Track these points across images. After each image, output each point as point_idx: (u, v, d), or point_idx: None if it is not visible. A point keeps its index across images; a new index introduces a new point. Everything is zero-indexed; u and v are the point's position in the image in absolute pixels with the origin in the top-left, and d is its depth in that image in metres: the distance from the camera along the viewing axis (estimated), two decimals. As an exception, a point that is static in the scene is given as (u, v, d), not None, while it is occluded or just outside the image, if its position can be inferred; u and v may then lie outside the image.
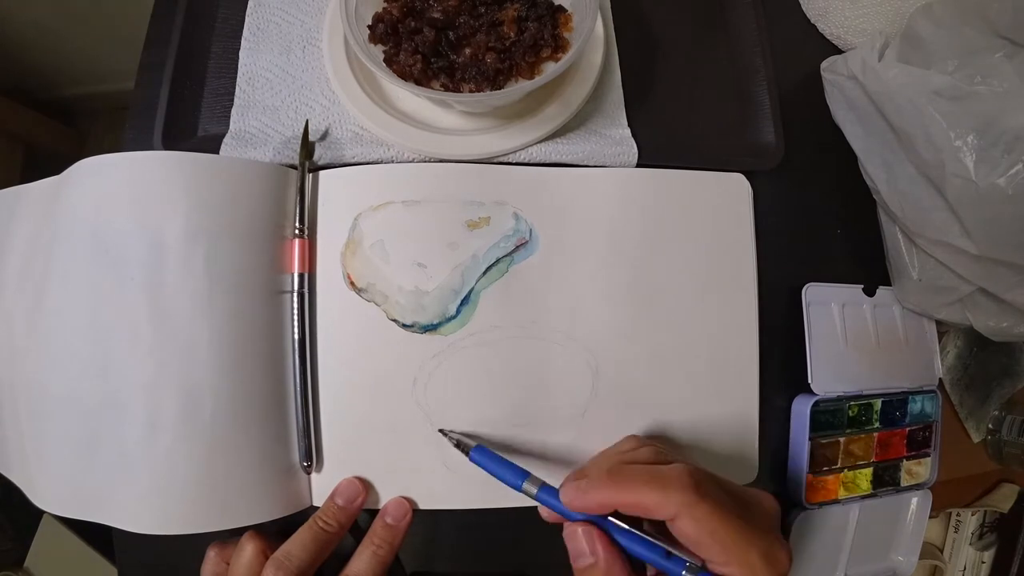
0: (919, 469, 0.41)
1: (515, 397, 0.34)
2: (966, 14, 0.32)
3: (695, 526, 0.22)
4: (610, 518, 0.25)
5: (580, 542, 0.25)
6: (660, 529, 0.25)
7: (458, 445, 0.31)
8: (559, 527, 0.36)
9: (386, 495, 0.33)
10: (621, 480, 0.24)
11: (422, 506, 0.33)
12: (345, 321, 0.33)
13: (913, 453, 0.41)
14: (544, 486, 0.27)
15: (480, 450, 0.30)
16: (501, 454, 0.29)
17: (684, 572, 0.23)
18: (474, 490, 0.33)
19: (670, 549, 0.24)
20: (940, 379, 0.42)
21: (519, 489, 0.27)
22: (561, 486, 0.26)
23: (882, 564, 0.41)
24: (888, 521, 0.41)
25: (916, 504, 0.41)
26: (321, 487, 0.32)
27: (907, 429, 0.40)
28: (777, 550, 0.23)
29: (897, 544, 0.41)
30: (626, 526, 0.25)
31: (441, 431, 0.32)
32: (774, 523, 0.26)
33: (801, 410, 0.38)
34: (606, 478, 0.25)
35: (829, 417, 0.38)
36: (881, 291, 0.40)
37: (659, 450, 0.28)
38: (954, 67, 0.31)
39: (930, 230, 0.34)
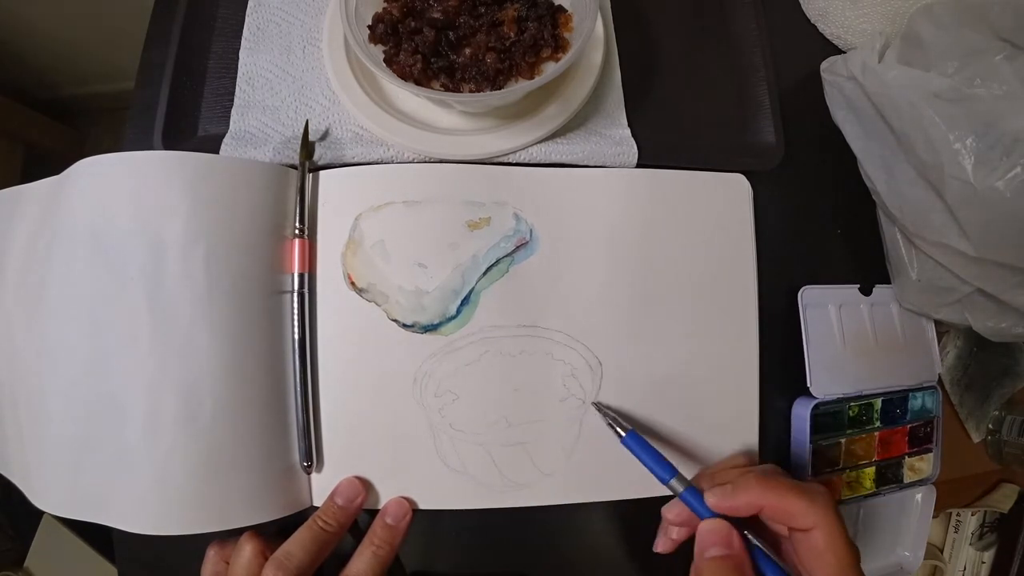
0: (922, 465, 0.41)
1: (515, 397, 0.34)
2: (967, 16, 0.32)
3: (827, 540, 0.25)
4: (746, 532, 0.27)
5: (719, 535, 0.27)
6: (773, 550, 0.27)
7: (612, 424, 0.32)
8: (560, 530, 0.36)
9: (386, 495, 0.33)
10: (772, 485, 0.27)
11: (422, 506, 0.33)
12: (345, 321, 0.33)
13: (915, 449, 0.41)
14: (691, 487, 0.29)
15: (633, 436, 0.31)
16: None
17: None
18: (474, 490, 0.33)
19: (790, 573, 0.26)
20: (940, 375, 0.42)
21: (666, 483, 0.29)
22: (704, 490, 0.28)
23: (888, 560, 0.41)
24: (893, 518, 0.41)
25: (920, 499, 0.41)
26: (321, 487, 0.32)
27: (908, 426, 0.40)
28: None
29: (903, 540, 0.41)
30: (756, 541, 0.27)
31: (596, 404, 0.33)
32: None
33: (801, 414, 0.38)
34: (756, 482, 0.27)
35: (830, 419, 0.38)
36: (878, 289, 0.40)
37: (781, 468, 0.31)
38: (954, 69, 0.31)
39: (929, 231, 0.34)
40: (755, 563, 0.27)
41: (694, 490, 0.29)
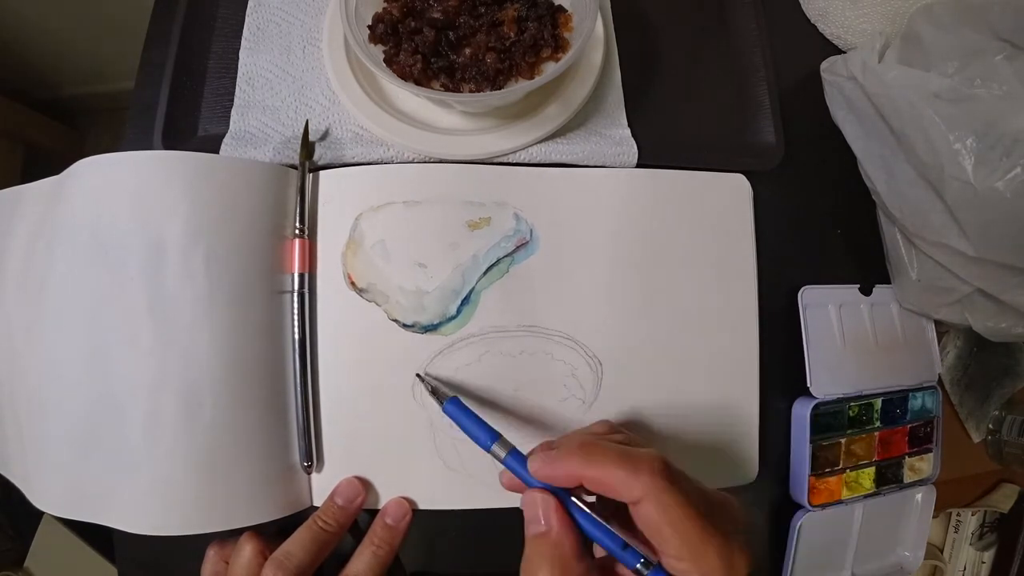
0: (922, 465, 0.41)
1: (515, 397, 0.34)
2: (967, 16, 0.32)
3: (658, 512, 0.22)
4: (573, 497, 0.25)
5: (536, 509, 0.24)
6: (621, 521, 0.24)
7: (434, 393, 0.30)
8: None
9: (386, 495, 0.33)
10: (592, 454, 0.24)
11: (422, 506, 0.33)
12: (345, 321, 0.33)
13: (915, 449, 0.41)
14: (513, 451, 0.26)
15: (454, 402, 0.29)
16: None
17: (639, 566, 0.23)
18: (474, 490, 0.33)
19: (627, 541, 0.23)
20: (940, 375, 0.42)
21: (488, 450, 0.27)
22: (529, 454, 0.26)
23: (889, 560, 0.41)
24: (893, 518, 0.41)
25: (920, 499, 0.41)
26: (321, 487, 0.32)
27: (908, 426, 0.40)
28: (736, 556, 0.22)
29: (903, 540, 0.41)
30: (586, 508, 0.24)
31: (417, 375, 0.32)
32: (738, 529, 0.25)
33: (801, 414, 0.38)
34: (576, 450, 0.24)
35: (830, 419, 0.38)
36: (878, 289, 0.40)
37: (630, 437, 0.28)
38: (954, 69, 0.31)
39: (928, 231, 0.34)
40: (592, 534, 0.24)
41: (518, 455, 0.26)
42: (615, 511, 0.24)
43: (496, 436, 0.27)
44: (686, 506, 0.22)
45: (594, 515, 0.24)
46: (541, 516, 0.24)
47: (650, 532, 0.22)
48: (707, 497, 0.24)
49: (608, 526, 0.24)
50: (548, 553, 0.23)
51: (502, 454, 0.26)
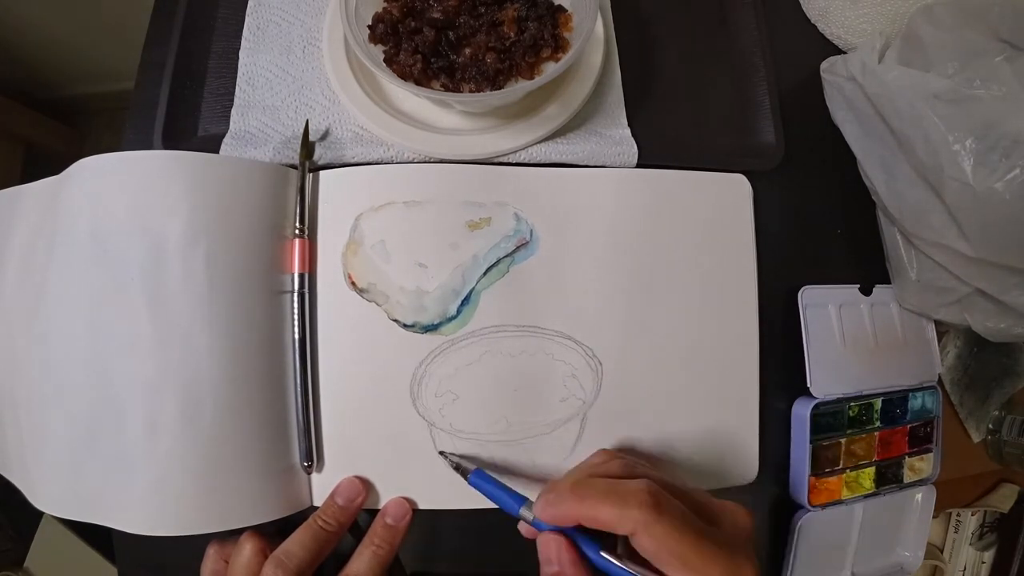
0: (922, 465, 0.41)
1: (515, 398, 0.34)
2: (967, 17, 0.32)
3: (653, 544, 0.22)
4: (578, 533, 0.25)
5: (547, 550, 0.25)
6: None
7: (457, 468, 0.31)
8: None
9: (386, 495, 0.33)
10: (583, 495, 0.25)
11: (422, 506, 0.33)
12: (346, 321, 0.33)
13: (915, 449, 0.41)
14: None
15: (479, 474, 0.30)
16: (499, 475, 0.30)
17: None
18: (473, 490, 0.33)
19: (634, 568, 0.24)
20: (940, 375, 0.42)
21: (516, 514, 0.28)
22: (536, 499, 0.27)
23: (889, 560, 0.41)
24: (893, 518, 0.41)
25: (920, 499, 0.41)
26: (321, 487, 0.32)
27: (908, 426, 0.40)
28: (743, 567, 0.23)
29: (903, 540, 0.41)
30: (587, 541, 0.25)
31: (441, 453, 0.33)
32: (744, 539, 0.25)
33: (801, 414, 0.38)
34: (569, 492, 0.25)
35: (830, 419, 0.38)
36: (878, 289, 0.40)
37: (628, 463, 0.28)
38: (954, 70, 0.31)
39: (928, 232, 0.34)
40: (600, 564, 0.25)
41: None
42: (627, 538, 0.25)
43: (523, 500, 0.28)
44: (680, 532, 0.22)
45: (603, 553, 0.25)
46: (553, 557, 0.25)
47: (653, 560, 0.23)
48: (707, 513, 0.25)
49: (612, 559, 0.25)
50: None
51: (530, 517, 0.27)
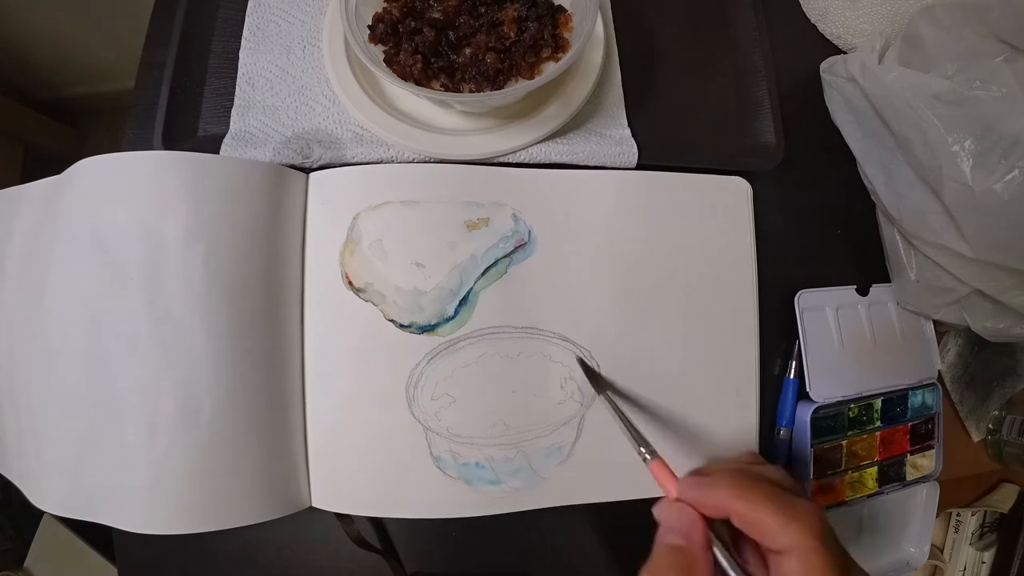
0: (924, 462, 0.41)
1: (512, 399, 0.33)
2: (967, 17, 0.32)
3: (803, 571, 0.21)
4: (713, 531, 0.24)
5: (678, 519, 0.23)
6: (739, 549, 0.24)
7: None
8: (559, 531, 0.36)
9: (379, 501, 0.32)
10: (748, 491, 0.23)
11: (416, 515, 0.32)
12: (342, 321, 0.33)
13: (917, 447, 0.41)
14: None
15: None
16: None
17: None
18: (472, 495, 0.33)
19: None
20: (940, 371, 0.42)
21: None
22: (682, 479, 0.25)
23: (894, 556, 0.41)
24: (897, 515, 0.41)
25: (924, 495, 0.41)
26: (321, 487, 0.32)
27: (910, 424, 0.40)
28: None
29: (908, 536, 0.41)
30: (724, 544, 0.23)
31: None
32: None
33: (801, 418, 0.37)
34: (730, 482, 0.23)
35: (830, 422, 0.38)
36: (875, 289, 0.40)
37: (787, 475, 0.26)
38: (954, 71, 0.31)
39: (927, 232, 0.34)
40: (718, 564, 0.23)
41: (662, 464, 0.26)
42: (733, 537, 0.24)
43: (651, 450, 0.27)
44: (831, 568, 0.21)
45: (725, 555, 0.23)
46: (683, 529, 0.23)
47: None
48: (851, 568, 0.23)
49: (741, 566, 0.23)
50: (681, 566, 0.22)
51: (651, 470, 0.26)
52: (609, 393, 0.31)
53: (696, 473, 0.25)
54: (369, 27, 0.32)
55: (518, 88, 0.31)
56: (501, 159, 0.35)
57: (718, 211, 0.37)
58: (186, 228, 0.29)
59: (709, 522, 0.24)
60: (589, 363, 0.33)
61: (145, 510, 0.29)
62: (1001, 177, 0.28)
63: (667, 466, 0.26)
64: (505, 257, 0.34)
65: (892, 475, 0.40)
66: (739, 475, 0.24)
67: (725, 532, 0.24)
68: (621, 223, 0.35)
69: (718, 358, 0.36)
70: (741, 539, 0.24)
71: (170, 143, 0.34)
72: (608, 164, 0.35)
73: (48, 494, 0.30)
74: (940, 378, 0.42)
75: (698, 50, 0.41)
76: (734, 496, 0.23)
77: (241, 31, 0.37)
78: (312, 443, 0.32)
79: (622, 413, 0.29)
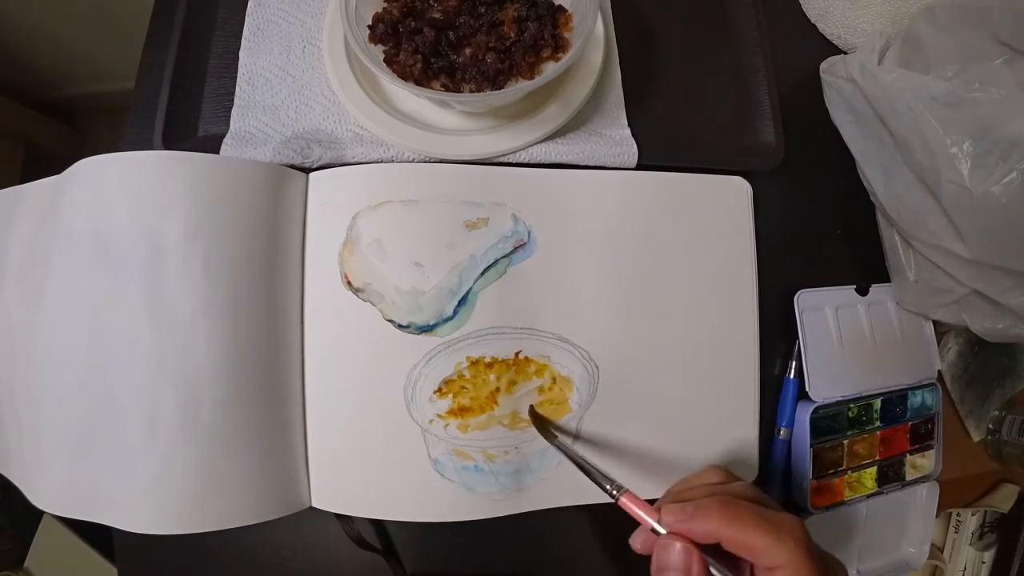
0: (923, 462, 0.41)
1: (512, 400, 0.33)
2: (968, 19, 0.32)
3: None
4: (709, 559, 0.24)
5: (674, 558, 0.24)
6: (729, 565, 0.24)
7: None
8: (558, 531, 0.36)
9: (376, 504, 0.32)
10: (736, 516, 0.24)
11: (413, 519, 0.32)
12: (341, 321, 0.33)
13: (917, 447, 0.41)
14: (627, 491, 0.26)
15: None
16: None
17: None
18: (468, 497, 0.33)
19: None
20: (940, 371, 0.42)
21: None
22: (659, 506, 0.25)
23: (894, 556, 0.41)
24: (897, 515, 0.41)
25: (924, 495, 0.41)
26: (321, 487, 0.32)
27: (909, 424, 0.40)
28: None
29: (908, 536, 0.41)
30: (719, 567, 0.24)
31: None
32: None
33: (801, 418, 0.37)
34: (717, 509, 0.24)
35: (830, 422, 0.38)
36: (875, 289, 0.40)
37: (757, 488, 0.27)
38: (953, 72, 0.31)
39: (925, 234, 0.34)
40: None
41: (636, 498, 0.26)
42: (719, 556, 0.24)
43: (618, 486, 0.26)
44: (817, 573, 0.22)
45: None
46: (684, 566, 0.24)
47: None
48: (832, 567, 0.24)
49: None
50: None
51: (622, 500, 0.26)
52: (561, 439, 0.30)
53: (671, 499, 0.25)
54: (369, 27, 0.32)
55: (518, 88, 0.31)
56: (501, 159, 0.35)
57: (718, 211, 0.37)
58: (186, 228, 0.29)
59: (702, 549, 0.24)
60: (540, 415, 0.33)
61: (145, 510, 0.29)
62: (999, 179, 0.28)
63: (637, 498, 0.26)
64: (504, 257, 0.34)
65: (892, 475, 0.40)
66: (726, 502, 0.24)
67: (712, 554, 0.24)
68: (621, 223, 0.35)
69: (718, 358, 0.36)
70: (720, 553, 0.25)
71: (170, 143, 0.34)
72: (608, 164, 0.35)
73: (47, 494, 0.30)
74: (940, 378, 0.42)
75: (698, 50, 0.41)
76: (725, 524, 0.24)
77: (241, 31, 0.37)
78: (312, 443, 0.32)
79: (578, 457, 0.28)
